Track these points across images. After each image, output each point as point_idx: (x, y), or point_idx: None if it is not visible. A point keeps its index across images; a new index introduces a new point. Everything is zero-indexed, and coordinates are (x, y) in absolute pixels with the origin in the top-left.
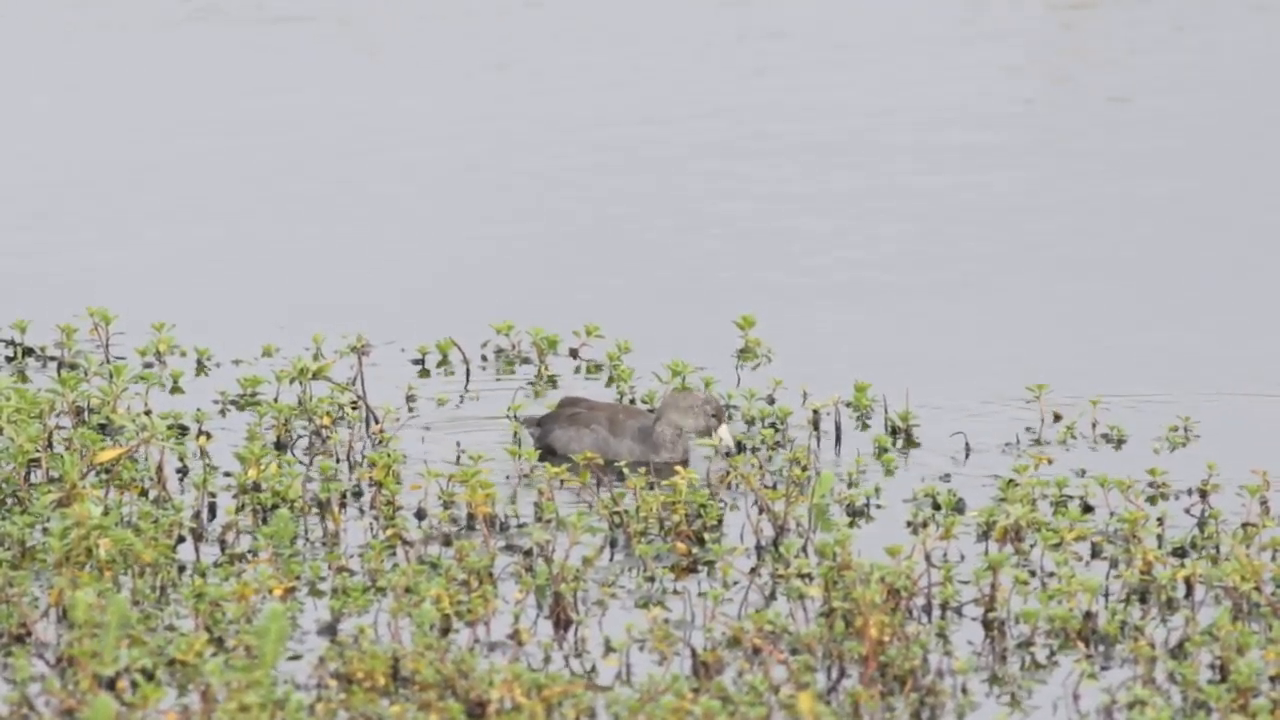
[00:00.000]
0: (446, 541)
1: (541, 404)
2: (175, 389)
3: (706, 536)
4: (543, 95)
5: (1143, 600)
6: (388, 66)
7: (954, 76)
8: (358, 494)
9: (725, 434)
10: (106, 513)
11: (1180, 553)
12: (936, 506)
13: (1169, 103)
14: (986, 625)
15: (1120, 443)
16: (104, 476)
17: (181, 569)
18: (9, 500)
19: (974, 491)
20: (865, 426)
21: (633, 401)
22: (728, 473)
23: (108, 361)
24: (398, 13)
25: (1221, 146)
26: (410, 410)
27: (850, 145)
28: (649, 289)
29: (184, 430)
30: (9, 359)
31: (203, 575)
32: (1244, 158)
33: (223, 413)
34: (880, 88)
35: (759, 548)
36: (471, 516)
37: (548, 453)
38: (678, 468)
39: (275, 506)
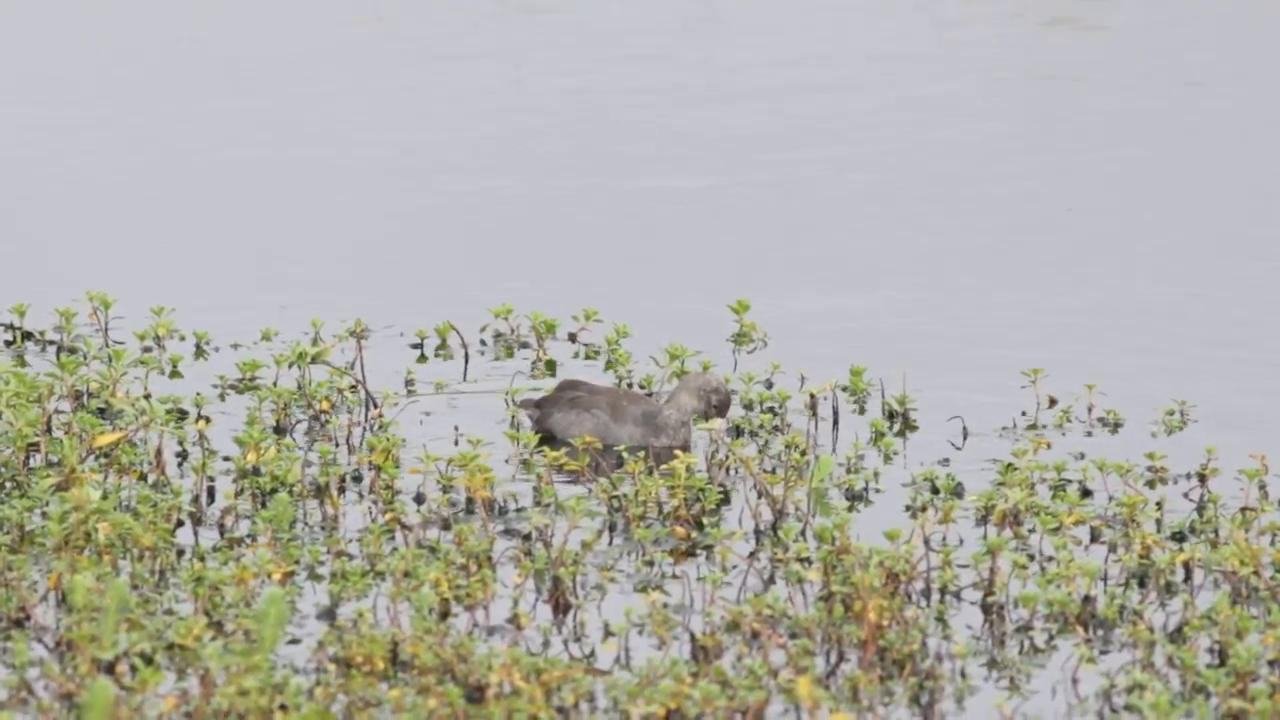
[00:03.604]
0: (445, 526)
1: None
2: (174, 373)
3: (705, 521)
4: (541, 79)
5: (1141, 584)
6: (386, 43)
7: (945, 71)
8: (357, 478)
9: (719, 425)
10: (105, 497)
11: (1179, 537)
12: (935, 491)
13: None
14: (985, 609)
15: (1117, 426)
16: (103, 461)
17: (180, 553)
18: (8, 484)
19: (972, 476)
20: (862, 410)
21: (630, 386)
22: (727, 456)
23: (107, 346)
24: None
25: (1222, 149)
26: (409, 394)
27: (849, 132)
28: (647, 272)
29: (183, 414)
30: (8, 343)
31: (202, 559)
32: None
33: (222, 397)
34: (879, 79)
35: (758, 532)
36: (470, 501)
37: (546, 436)
38: (677, 451)
39: (274, 491)
